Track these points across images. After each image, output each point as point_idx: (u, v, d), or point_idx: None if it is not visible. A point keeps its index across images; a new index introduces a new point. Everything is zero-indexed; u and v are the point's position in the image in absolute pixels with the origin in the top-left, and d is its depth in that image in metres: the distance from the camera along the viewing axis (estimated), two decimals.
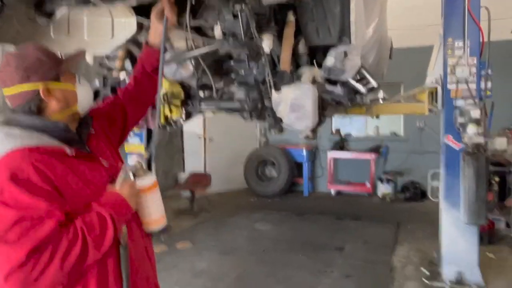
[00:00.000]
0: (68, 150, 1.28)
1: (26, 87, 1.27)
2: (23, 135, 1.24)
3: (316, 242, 5.04)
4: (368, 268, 4.23)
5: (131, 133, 1.87)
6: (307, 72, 2.25)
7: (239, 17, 1.89)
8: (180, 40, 2.27)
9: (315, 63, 2.53)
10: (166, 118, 2.98)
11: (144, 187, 1.39)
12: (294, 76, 2.28)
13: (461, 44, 3.62)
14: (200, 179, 6.59)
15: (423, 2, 5.23)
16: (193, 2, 2.03)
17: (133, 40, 2.42)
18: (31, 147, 1.21)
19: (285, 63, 2.25)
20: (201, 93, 2.94)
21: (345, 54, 2.29)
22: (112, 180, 1.39)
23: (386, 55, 4.31)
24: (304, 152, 7.71)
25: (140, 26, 2.22)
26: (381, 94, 4.81)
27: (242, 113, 2.58)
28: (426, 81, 3.93)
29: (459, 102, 3.65)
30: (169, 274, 4.05)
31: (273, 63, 2.40)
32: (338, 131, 8.04)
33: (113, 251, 1.28)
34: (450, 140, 3.75)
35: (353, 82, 3.43)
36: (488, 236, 4.64)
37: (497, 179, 5.01)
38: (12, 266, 1.08)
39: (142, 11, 2.12)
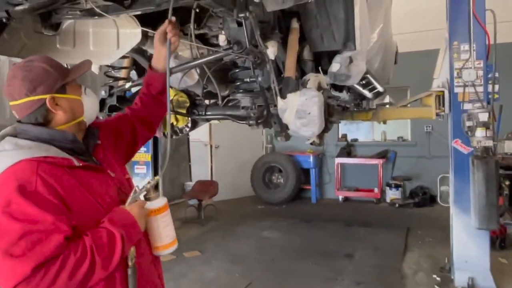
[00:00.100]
0: (76, 162, 1.27)
1: (33, 98, 1.28)
2: (31, 146, 1.24)
3: (326, 250, 4.99)
4: (379, 275, 4.18)
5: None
6: (313, 79, 2.23)
7: (244, 25, 1.89)
8: (184, 49, 2.27)
9: (320, 69, 2.52)
10: (172, 126, 2.98)
11: (155, 209, 1.36)
12: (299, 83, 2.27)
13: (467, 47, 3.60)
14: (207, 187, 6.58)
15: (427, 6, 5.23)
16: (198, 11, 2.04)
17: (138, 50, 2.43)
18: (39, 159, 1.21)
19: (290, 70, 2.24)
20: (206, 101, 2.94)
21: (350, 59, 2.28)
22: (119, 191, 1.38)
23: (392, 59, 4.30)
24: (311, 159, 7.69)
25: (145, 36, 2.23)
26: (387, 99, 4.81)
27: (248, 121, 2.57)
28: (433, 85, 3.91)
29: (467, 106, 3.62)
30: (178, 284, 4.03)
31: (278, 70, 2.40)
32: (344, 136, 8.01)
33: (121, 265, 1.26)
34: (458, 144, 3.71)
35: (359, 88, 3.43)
36: (500, 241, 4.58)
37: (507, 182, 4.94)
38: (18, 280, 1.07)
39: (147, 21, 2.13)
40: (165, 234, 1.40)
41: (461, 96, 3.63)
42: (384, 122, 4.53)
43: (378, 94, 4.13)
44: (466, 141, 3.63)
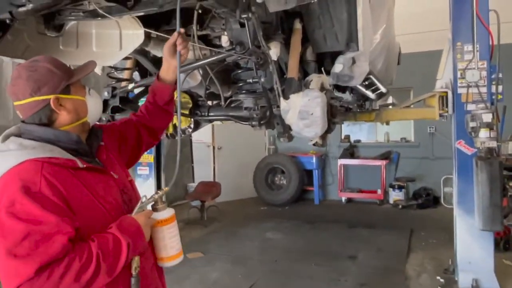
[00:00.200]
0: (80, 163, 1.27)
1: (37, 98, 1.28)
2: (35, 146, 1.24)
3: (329, 251, 4.98)
4: (383, 276, 4.16)
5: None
6: (315, 79, 2.23)
7: (246, 26, 1.89)
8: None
9: (323, 70, 2.52)
10: (174, 127, 2.99)
11: (162, 220, 1.36)
12: (302, 84, 2.27)
13: (470, 48, 3.59)
14: (210, 188, 6.58)
15: (430, 6, 5.22)
16: (200, 12, 2.04)
17: (141, 51, 2.44)
18: (43, 159, 1.20)
19: (292, 71, 2.24)
20: (209, 102, 2.94)
21: (353, 60, 2.28)
22: (122, 193, 1.38)
23: (395, 60, 4.30)
24: (314, 160, 7.67)
25: (148, 37, 2.24)
26: (390, 100, 4.79)
27: (250, 122, 2.57)
28: (436, 85, 3.89)
29: (470, 107, 3.60)
30: (181, 286, 4.03)
31: (281, 71, 2.40)
32: (347, 138, 8.00)
33: (124, 271, 1.24)
34: (462, 145, 3.69)
35: (362, 89, 3.42)
36: (504, 243, 4.55)
37: (511, 184, 4.92)
38: (21, 281, 1.06)
39: (150, 22, 2.13)
40: (170, 245, 1.39)
41: (465, 97, 3.62)
42: (387, 123, 4.52)
43: (381, 95, 4.12)
44: (470, 142, 3.61)
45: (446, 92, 3.79)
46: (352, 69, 2.28)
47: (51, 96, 1.29)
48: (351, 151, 7.82)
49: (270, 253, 4.98)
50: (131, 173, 1.63)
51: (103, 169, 1.38)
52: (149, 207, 1.37)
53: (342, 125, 7.76)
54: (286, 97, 2.14)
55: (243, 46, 1.95)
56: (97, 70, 2.76)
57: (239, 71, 2.57)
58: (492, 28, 3.53)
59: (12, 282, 1.07)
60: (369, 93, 3.74)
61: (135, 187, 1.52)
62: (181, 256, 1.43)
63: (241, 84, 2.65)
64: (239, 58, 2.10)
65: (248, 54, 1.95)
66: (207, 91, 2.69)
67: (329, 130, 2.30)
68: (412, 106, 4.26)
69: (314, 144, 2.61)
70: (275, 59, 2.14)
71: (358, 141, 8.07)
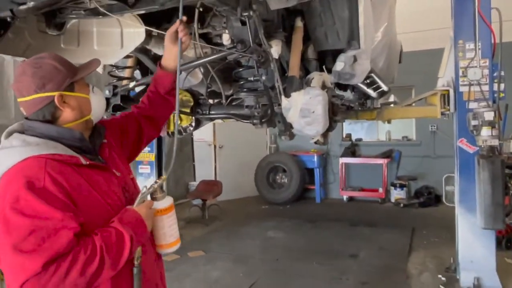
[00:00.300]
0: (83, 160, 1.28)
1: (41, 95, 1.28)
2: (39, 143, 1.24)
3: (330, 250, 4.98)
4: (384, 275, 4.16)
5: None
6: (317, 77, 2.23)
7: (247, 24, 1.89)
8: (188, 49, 2.27)
9: (324, 68, 2.52)
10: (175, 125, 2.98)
11: (161, 209, 1.37)
12: (303, 82, 2.27)
13: (472, 46, 3.58)
14: (211, 187, 6.58)
15: (432, 5, 5.21)
16: (201, 10, 2.04)
17: (142, 49, 2.44)
18: (47, 156, 1.21)
19: (294, 69, 2.24)
20: (210, 101, 2.94)
21: (355, 58, 2.27)
22: (124, 190, 1.38)
23: (396, 58, 4.29)
24: (316, 158, 7.67)
25: (149, 36, 2.23)
26: (392, 98, 4.79)
27: (252, 120, 2.56)
28: (438, 84, 3.88)
29: (472, 105, 3.59)
30: (182, 284, 4.03)
31: (282, 69, 2.40)
32: (349, 136, 7.99)
33: (127, 264, 1.26)
34: (464, 144, 3.68)
35: (363, 87, 3.42)
36: (506, 241, 4.54)
37: None
38: (28, 276, 1.07)
39: (151, 20, 2.13)
40: (169, 233, 1.40)
41: (467, 95, 3.61)
42: (389, 122, 4.52)
43: (382, 93, 4.12)
44: (472, 140, 3.60)
45: (448, 90, 3.78)
46: (354, 67, 2.28)
47: (56, 93, 1.29)
48: (352, 149, 7.82)
49: (272, 251, 4.98)
50: (132, 172, 1.63)
51: (105, 167, 1.38)
52: (149, 197, 1.38)
53: (344, 123, 7.76)
54: (287, 95, 2.13)
55: (244, 44, 1.95)
56: (98, 68, 2.75)
57: (240, 69, 2.57)
58: (494, 26, 3.51)
59: (19, 278, 1.08)
60: (370, 91, 3.74)
61: (136, 184, 1.53)
62: (179, 243, 1.45)
63: (242, 82, 2.65)
64: (240, 56, 2.10)
65: (249, 52, 1.94)
66: (208, 90, 2.69)
67: (330, 128, 2.30)
68: (413, 104, 4.26)
69: (315, 142, 2.60)
70: (276, 57, 2.13)
71: (360, 139, 8.06)
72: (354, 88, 3.45)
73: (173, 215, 1.41)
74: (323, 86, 2.22)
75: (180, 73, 1.61)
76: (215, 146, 7.86)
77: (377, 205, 7.34)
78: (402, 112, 4.21)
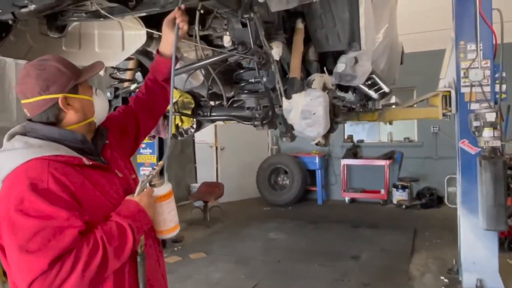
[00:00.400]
0: (86, 161, 1.29)
1: (45, 97, 1.29)
2: (42, 145, 1.25)
3: (332, 251, 4.97)
4: (386, 276, 4.15)
5: (142, 143, 1.87)
6: (318, 79, 2.23)
7: (248, 25, 1.89)
8: (189, 51, 2.28)
9: (325, 69, 2.52)
10: (177, 127, 2.99)
11: (161, 196, 1.39)
12: (304, 83, 2.27)
13: (473, 47, 3.58)
14: (213, 189, 6.58)
15: (433, 6, 5.20)
16: (202, 12, 2.04)
17: (143, 51, 2.44)
18: (50, 157, 1.22)
19: (295, 70, 2.24)
20: (211, 102, 2.93)
21: (356, 60, 2.27)
22: (126, 190, 1.39)
23: (398, 60, 4.29)
24: (317, 160, 7.67)
25: (150, 38, 2.24)
26: (393, 100, 4.78)
27: (253, 122, 2.56)
28: (439, 85, 3.88)
29: (474, 106, 3.59)
30: (184, 285, 4.03)
31: (283, 71, 2.39)
32: (350, 138, 7.98)
33: (129, 258, 1.27)
34: (465, 145, 3.68)
35: (364, 88, 3.41)
36: (508, 242, 4.53)
37: None
38: (35, 275, 1.08)
39: (152, 23, 2.13)
40: (169, 219, 1.42)
41: (468, 96, 3.60)
42: (390, 123, 4.51)
43: (384, 95, 4.11)
44: (473, 141, 3.60)
45: (450, 92, 3.78)
46: (355, 69, 2.28)
47: (60, 95, 1.30)
48: (354, 151, 7.81)
49: (273, 253, 4.97)
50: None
51: (108, 167, 1.39)
52: (148, 185, 1.38)
53: (345, 125, 7.76)
54: (288, 97, 2.13)
55: (245, 46, 1.95)
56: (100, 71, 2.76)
57: (241, 71, 2.56)
58: (496, 27, 3.51)
59: (27, 277, 1.09)
60: (371, 93, 3.74)
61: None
62: (178, 228, 1.46)
63: (243, 84, 2.65)
64: (241, 58, 2.10)
65: (250, 54, 1.94)
66: (210, 91, 2.68)
67: (331, 129, 2.30)
68: (415, 105, 4.25)
69: (316, 144, 2.60)
70: (277, 59, 2.13)
71: (361, 141, 8.06)
72: (355, 89, 3.45)
73: (172, 201, 1.43)
74: (324, 88, 2.22)
75: (176, 60, 1.62)
76: (216, 148, 7.86)
77: (379, 207, 7.33)
78: (403, 113, 4.20)
